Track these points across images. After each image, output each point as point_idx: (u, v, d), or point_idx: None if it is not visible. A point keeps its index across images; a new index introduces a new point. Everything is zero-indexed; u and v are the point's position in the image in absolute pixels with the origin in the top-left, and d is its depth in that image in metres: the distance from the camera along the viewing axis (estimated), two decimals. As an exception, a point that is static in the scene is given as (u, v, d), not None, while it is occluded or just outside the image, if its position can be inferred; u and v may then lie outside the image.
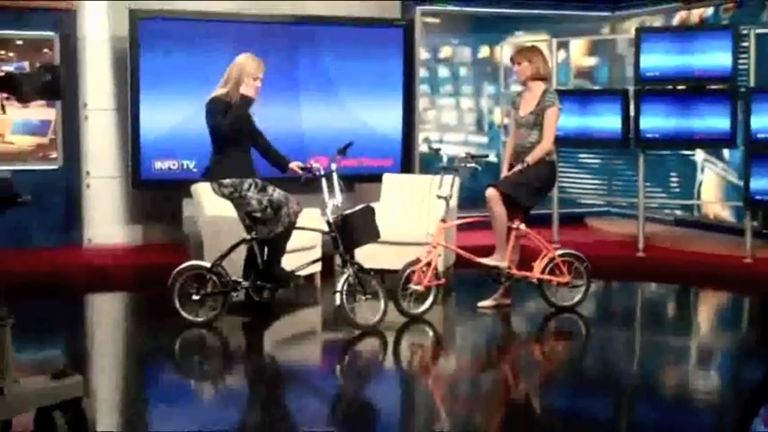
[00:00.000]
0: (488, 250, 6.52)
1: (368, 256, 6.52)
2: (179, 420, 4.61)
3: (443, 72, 10.39)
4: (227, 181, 6.01)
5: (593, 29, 10.68)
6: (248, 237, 6.17)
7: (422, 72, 9.98)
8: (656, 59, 8.33)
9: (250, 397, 5.23)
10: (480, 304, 6.75)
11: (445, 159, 6.79)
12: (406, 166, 8.94)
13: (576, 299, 6.68)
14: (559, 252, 6.68)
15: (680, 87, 8.39)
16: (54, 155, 8.50)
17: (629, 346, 6.39)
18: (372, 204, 6.49)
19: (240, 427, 4.64)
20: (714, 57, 8.10)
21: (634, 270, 8.19)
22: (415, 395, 5.31)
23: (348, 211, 6.21)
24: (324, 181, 6.27)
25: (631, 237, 8.77)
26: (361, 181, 8.53)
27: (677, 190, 9.88)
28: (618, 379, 5.49)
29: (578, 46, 10.53)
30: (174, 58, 8.10)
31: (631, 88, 8.69)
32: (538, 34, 10.25)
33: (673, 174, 9.91)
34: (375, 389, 5.37)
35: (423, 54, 9.99)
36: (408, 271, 6.29)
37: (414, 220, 7.15)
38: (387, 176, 8.15)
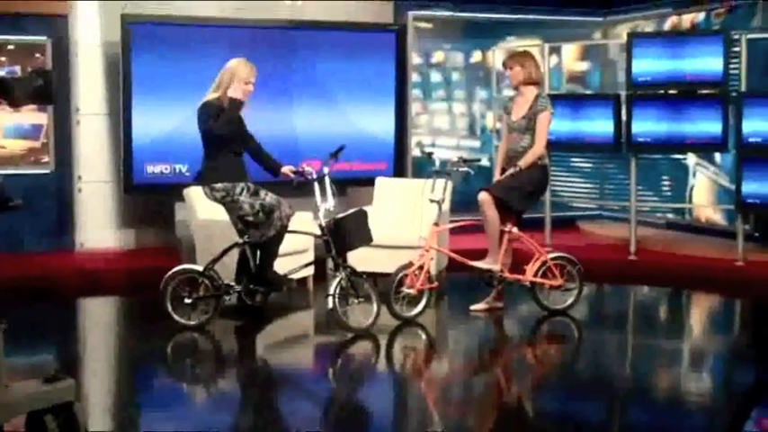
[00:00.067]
0: (481, 254, 6.53)
1: (360, 259, 6.52)
2: (171, 424, 4.61)
3: (436, 77, 10.40)
4: (219, 185, 6.01)
5: (586, 34, 10.71)
6: (241, 240, 6.16)
7: (414, 76, 9.99)
8: (648, 64, 8.36)
9: (242, 400, 5.23)
10: (473, 307, 6.76)
11: (438, 163, 6.83)
12: (398, 170, 8.95)
13: (569, 302, 6.69)
14: (552, 255, 6.69)
15: (671, 92, 8.42)
16: (46, 159, 8.49)
17: (622, 349, 6.40)
18: (365, 208, 6.50)
19: (233, 430, 4.64)
20: (705, 61, 8.14)
21: (626, 273, 8.21)
22: (408, 398, 5.30)
23: (340, 215, 6.22)
24: (316, 185, 6.27)
25: (623, 240, 8.79)
26: (354, 185, 8.53)
27: (669, 194, 9.91)
28: (610, 382, 5.50)
29: (570, 51, 10.56)
30: (166, 62, 8.10)
31: (623, 93, 8.72)
32: (530, 39, 10.27)
33: (664, 177, 9.93)
34: (368, 392, 5.36)
35: (415, 59, 10.01)
36: (401, 274, 6.30)
37: (406, 223, 7.16)
38: (379, 180, 8.16)
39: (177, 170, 8.20)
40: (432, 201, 6.46)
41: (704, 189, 9.54)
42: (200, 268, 6.21)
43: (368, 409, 5.07)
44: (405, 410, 5.13)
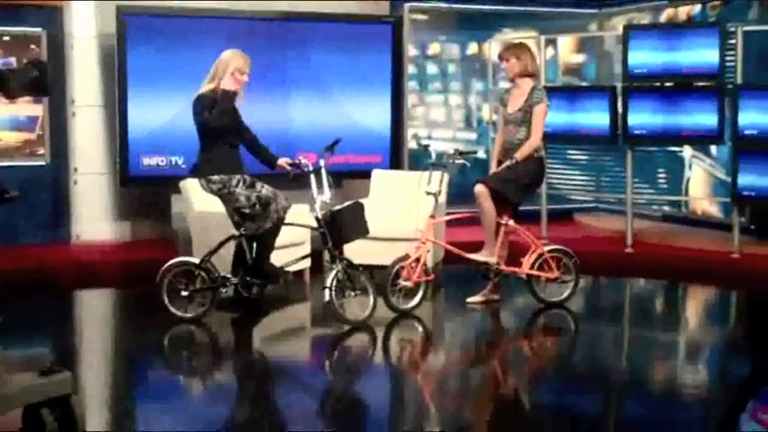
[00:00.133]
0: (477, 246, 6.53)
1: (357, 251, 6.52)
2: (168, 417, 4.60)
3: (432, 69, 10.39)
4: (215, 177, 6.00)
5: (581, 26, 10.71)
6: (237, 233, 6.16)
7: (410, 69, 9.98)
8: (644, 56, 8.35)
9: (239, 393, 5.23)
10: (469, 300, 6.77)
11: (434, 156, 6.81)
12: (394, 162, 8.95)
13: (565, 294, 6.70)
14: (548, 248, 6.70)
15: (667, 84, 8.42)
16: (41, 151, 8.47)
17: (618, 342, 6.41)
18: (361, 200, 6.49)
19: (229, 423, 4.64)
20: (701, 54, 8.13)
21: (622, 266, 8.22)
22: (405, 391, 5.31)
23: (337, 207, 6.22)
24: (312, 177, 6.27)
25: (619, 233, 8.80)
26: (350, 177, 8.53)
27: (665, 186, 9.92)
28: (606, 374, 5.51)
29: (566, 43, 10.55)
30: (161, 54, 8.08)
31: (619, 85, 8.71)
32: (526, 31, 10.27)
33: (660, 170, 9.94)
34: (364, 384, 5.37)
35: (411, 51, 9.99)
36: (397, 267, 6.30)
37: (403, 216, 7.16)
38: (376, 173, 8.15)
39: (173, 162, 8.20)
40: (428, 193, 6.46)
41: (700, 181, 9.55)
42: (197, 260, 6.20)
43: (365, 401, 5.07)
44: (401, 403, 5.13)
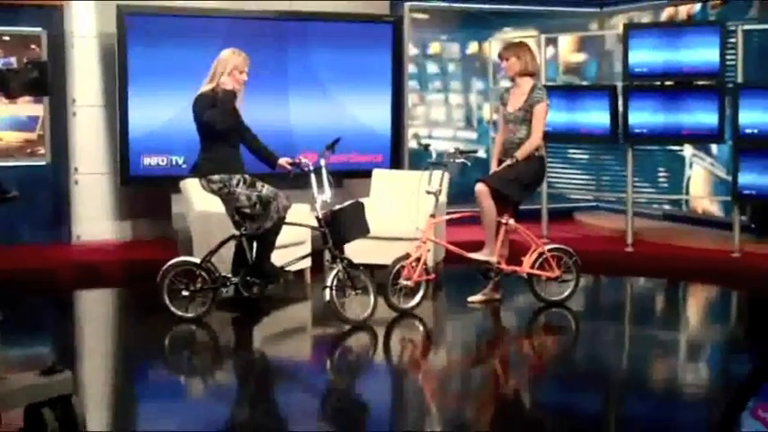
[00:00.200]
0: (478, 245, 6.53)
1: (357, 251, 6.52)
2: (169, 416, 4.61)
3: (432, 68, 10.39)
4: (215, 177, 6.00)
5: (582, 25, 10.71)
6: (237, 233, 6.16)
7: (411, 68, 9.98)
8: (645, 55, 8.35)
9: (240, 392, 5.23)
10: (470, 299, 6.77)
11: (434, 155, 6.83)
12: (395, 161, 8.95)
13: (566, 293, 6.70)
14: (549, 247, 6.70)
15: (668, 83, 8.42)
16: (42, 151, 8.47)
17: (619, 341, 6.41)
18: (362, 200, 6.50)
19: (230, 422, 4.65)
20: (702, 53, 8.13)
21: (623, 265, 8.22)
22: (405, 390, 5.31)
23: (337, 207, 6.22)
24: (313, 176, 6.27)
25: (620, 232, 8.80)
26: (351, 177, 8.53)
27: (665, 185, 9.92)
28: (607, 373, 5.51)
29: (567, 42, 10.55)
30: (162, 54, 8.08)
31: (620, 84, 8.71)
32: (526, 30, 10.27)
33: (661, 169, 9.94)
34: (365, 384, 5.37)
35: (411, 50, 9.99)
36: (398, 266, 6.30)
37: (403, 215, 7.15)
38: (376, 172, 8.15)
39: (174, 162, 8.20)
40: (428, 192, 6.46)
41: (701, 180, 9.55)
42: (198, 260, 6.21)
43: (365, 400, 5.08)
44: (402, 403, 5.13)
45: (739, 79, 8.10)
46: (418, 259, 6.33)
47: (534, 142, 6.47)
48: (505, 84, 7.84)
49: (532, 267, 6.57)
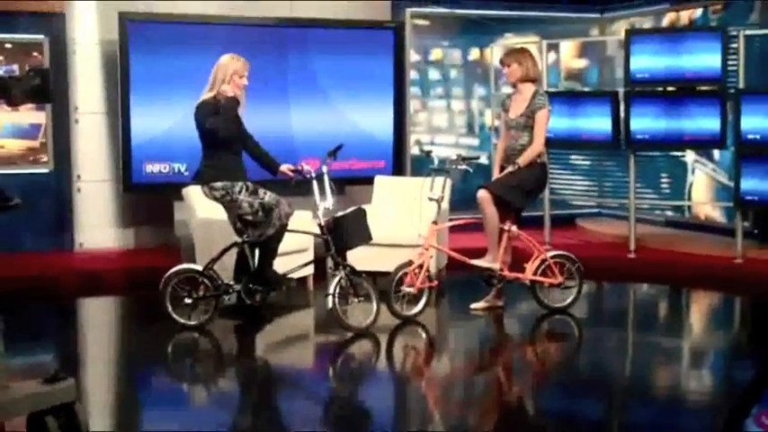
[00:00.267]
0: (480, 252, 6.53)
1: (360, 258, 6.51)
2: (172, 424, 4.61)
3: (434, 74, 10.39)
4: (218, 184, 6.00)
5: (583, 31, 10.71)
6: (240, 240, 6.16)
7: (412, 74, 9.99)
8: (646, 61, 8.35)
9: (242, 400, 5.23)
10: (473, 306, 6.76)
11: (436, 161, 6.81)
12: (397, 168, 8.96)
13: (568, 300, 6.69)
14: (551, 253, 6.69)
15: (670, 89, 8.42)
16: (44, 158, 8.48)
17: (622, 347, 6.41)
18: (364, 206, 6.49)
19: (233, 430, 4.64)
20: (703, 58, 8.13)
21: (625, 271, 8.21)
22: (408, 397, 5.30)
23: (340, 214, 6.21)
24: (315, 183, 6.27)
25: (622, 238, 8.80)
26: (353, 183, 8.54)
27: (668, 191, 9.91)
28: (610, 380, 5.50)
29: (568, 48, 10.55)
30: (164, 60, 8.09)
31: (621, 90, 8.72)
32: (528, 36, 10.27)
33: (663, 175, 9.93)
34: (368, 391, 5.36)
35: (413, 56, 10.00)
36: (400, 273, 6.29)
37: (405, 222, 7.16)
38: (378, 179, 8.16)
39: (176, 169, 8.20)
40: (431, 199, 6.45)
41: (703, 186, 9.54)
42: (200, 268, 6.20)
43: (368, 408, 5.07)
44: (405, 409, 5.12)
45: (741, 85, 8.10)
46: (421, 266, 6.32)
47: (536, 148, 6.46)
48: (507, 90, 7.85)
49: (535, 274, 6.57)
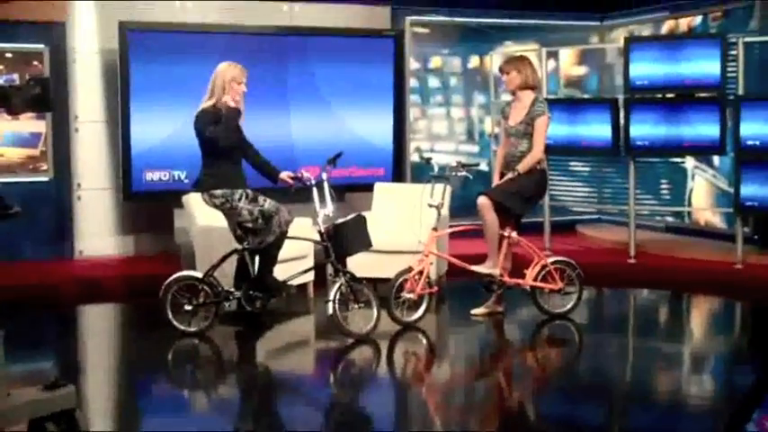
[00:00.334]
0: (480, 258, 6.53)
1: (360, 264, 6.52)
2: (172, 431, 4.60)
3: (434, 82, 10.41)
4: (218, 192, 6.01)
5: (583, 38, 10.73)
6: (240, 247, 6.16)
7: (412, 82, 10.01)
8: (646, 68, 8.38)
9: (243, 406, 5.22)
10: (473, 312, 6.76)
11: (436, 168, 6.82)
12: (397, 175, 8.97)
13: (569, 306, 6.69)
14: (551, 259, 6.70)
15: (669, 96, 8.44)
16: (45, 167, 8.49)
17: (622, 353, 6.40)
18: (364, 213, 6.50)
19: (233, 436, 4.64)
20: (703, 65, 8.15)
21: (625, 277, 8.22)
22: (409, 404, 5.30)
23: (340, 221, 6.22)
24: (315, 190, 6.27)
25: (622, 244, 8.80)
26: (353, 190, 8.54)
27: (668, 197, 9.92)
28: (611, 385, 5.50)
29: (568, 55, 10.57)
30: (164, 69, 8.11)
31: (621, 97, 8.73)
32: (527, 44, 10.30)
33: (663, 181, 9.94)
34: (368, 397, 5.35)
35: (413, 64, 10.02)
36: (401, 279, 6.30)
37: (405, 228, 7.16)
38: (378, 186, 8.16)
39: (176, 177, 8.21)
40: (431, 206, 6.46)
41: (703, 192, 9.55)
42: (200, 275, 6.21)
43: (369, 414, 5.07)
44: (406, 415, 5.12)
45: (740, 91, 8.12)
46: (421, 272, 6.32)
47: (536, 155, 6.48)
48: (507, 97, 7.86)
49: (535, 280, 6.57)
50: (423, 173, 9.00)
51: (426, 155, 9.26)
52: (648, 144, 8.44)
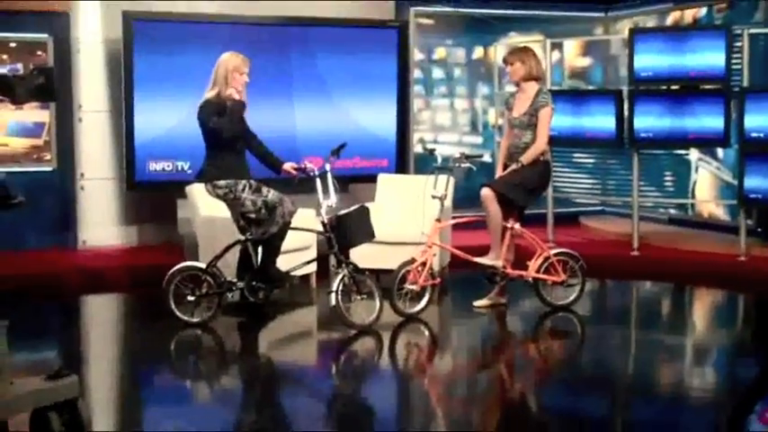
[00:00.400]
0: (483, 250, 6.53)
1: (363, 255, 6.52)
2: (174, 421, 4.62)
3: (438, 73, 10.39)
4: (221, 182, 6.01)
5: (587, 29, 10.70)
6: (243, 237, 6.17)
7: (416, 73, 9.99)
8: (650, 60, 8.35)
9: (245, 397, 5.23)
10: (476, 303, 6.76)
11: (440, 159, 6.83)
12: (400, 166, 8.96)
13: (571, 298, 6.69)
14: (554, 251, 6.69)
15: (674, 87, 8.41)
16: (48, 157, 8.50)
17: (625, 345, 6.39)
18: (367, 204, 6.50)
19: (236, 427, 4.64)
20: (707, 57, 8.12)
21: (629, 269, 8.21)
22: (411, 395, 5.31)
23: (343, 212, 6.22)
24: (318, 181, 6.27)
25: (626, 236, 8.79)
26: (356, 181, 8.53)
27: (671, 189, 9.90)
28: (613, 377, 5.50)
29: (572, 47, 10.55)
30: (168, 59, 8.10)
31: (625, 88, 8.71)
32: (532, 35, 10.27)
33: (667, 173, 9.93)
34: (371, 389, 5.36)
35: (417, 55, 10.01)
36: (403, 271, 6.30)
37: (409, 220, 7.16)
38: (382, 177, 8.16)
39: (179, 167, 8.21)
40: (434, 197, 6.46)
41: (707, 184, 9.53)
42: (203, 265, 6.21)
43: (371, 406, 5.07)
44: (408, 407, 5.13)
45: (745, 83, 8.10)
46: (424, 264, 6.33)
47: (539, 147, 6.47)
48: (510, 88, 7.84)
49: (538, 272, 6.57)
50: (426, 164, 9.00)
51: (430, 146, 9.25)
52: (652, 136, 8.42)
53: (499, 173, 6.68)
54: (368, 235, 6.31)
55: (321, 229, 6.26)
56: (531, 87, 6.57)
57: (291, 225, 6.21)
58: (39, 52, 8.36)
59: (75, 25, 8.50)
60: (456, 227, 7.13)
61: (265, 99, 7.63)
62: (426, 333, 6.39)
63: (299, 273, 6.63)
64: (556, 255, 6.64)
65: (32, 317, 6.66)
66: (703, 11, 9.57)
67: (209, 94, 6.04)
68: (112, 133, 8.57)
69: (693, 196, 9.67)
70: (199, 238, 7.01)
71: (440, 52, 10.37)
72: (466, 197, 8.01)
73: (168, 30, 8.17)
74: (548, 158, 6.62)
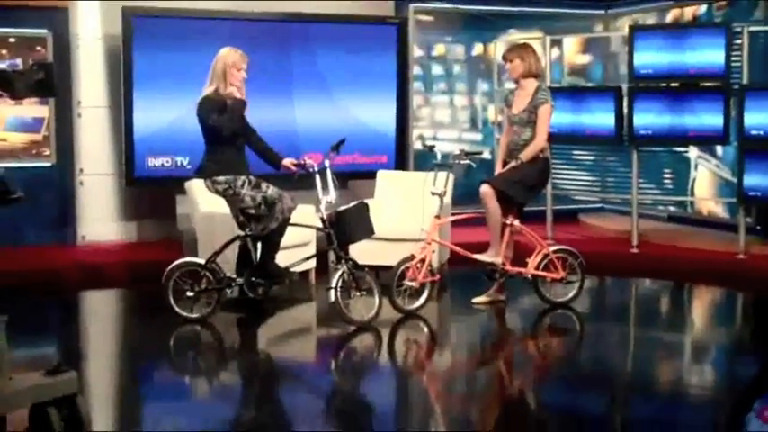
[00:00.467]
0: (483, 247, 6.53)
1: (362, 252, 6.52)
2: (174, 417, 4.62)
3: (437, 69, 10.39)
4: (220, 178, 6.01)
5: (587, 27, 10.70)
6: (242, 233, 6.16)
7: (415, 69, 9.99)
8: (650, 57, 8.35)
9: (245, 393, 5.23)
10: (475, 300, 6.76)
11: (439, 156, 6.82)
12: (400, 162, 8.96)
13: (571, 295, 6.69)
14: (553, 248, 6.70)
15: (673, 85, 8.41)
16: (47, 152, 8.49)
17: (623, 342, 6.40)
18: (366, 201, 6.50)
19: (235, 423, 4.64)
20: (707, 54, 8.12)
21: (628, 266, 8.21)
22: (410, 391, 5.31)
23: (342, 208, 6.22)
24: (317, 177, 6.27)
25: (625, 233, 8.79)
26: (356, 178, 8.53)
27: (671, 186, 9.90)
28: (612, 375, 5.50)
29: (572, 44, 10.55)
30: (167, 55, 8.09)
31: (625, 86, 8.71)
32: (531, 32, 10.26)
33: (666, 170, 9.93)
34: (370, 385, 5.36)
35: (416, 51, 10.00)
36: (403, 267, 6.30)
37: (408, 216, 7.16)
38: (381, 173, 8.16)
39: (179, 163, 8.21)
40: (433, 193, 6.46)
41: (706, 182, 9.53)
42: (202, 261, 6.21)
43: (370, 402, 5.07)
44: (407, 403, 5.13)
45: (745, 81, 8.10)
46: (423, 260, 6.33)
47: (539, 144, 6.47)
48: (510, 85, 7.84)
49: (537, 269, 6.57)
50: (425, 161, 9.00)
51: (429, 143, 9.23)
52: (652, 133, 8.42)
53: (498, 170, 6.68)
54: (367, 231, 6.31)
55: (320, 225, 6.26)
56: (531, 84, 6.57)
57: (291, 221, 6.21)
58: (38, 48, 8.35)
59: (75, 21, 8.49)
60: (455, 224, 7.13)
61: (265, 95, 7.62)
62: (425, 330, 6.39)
63: (298, 269, 6.63)
64: (555, 252, 6.64)
65: (31, 312, 6.66)
66: (703, 8, 9.57)
67: (208, 90, 6.03)
68: (112, 129, 8.56)
69: (693, 194, 9.68)
70: (198, 233, 7.02)
71: (439, 49, 10.36)
72: (465, 194, 8.01)
73: (167, 26, 8.16)
74: (547, 155, 6.62)
